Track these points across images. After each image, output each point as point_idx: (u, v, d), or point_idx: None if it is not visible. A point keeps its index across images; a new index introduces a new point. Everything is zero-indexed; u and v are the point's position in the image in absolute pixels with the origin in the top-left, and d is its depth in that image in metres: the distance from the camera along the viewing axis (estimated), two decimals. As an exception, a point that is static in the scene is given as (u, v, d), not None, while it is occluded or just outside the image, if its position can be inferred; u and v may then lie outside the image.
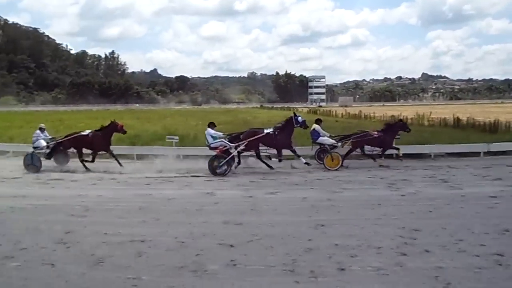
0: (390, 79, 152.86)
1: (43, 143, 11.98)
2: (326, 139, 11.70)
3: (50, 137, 12.47)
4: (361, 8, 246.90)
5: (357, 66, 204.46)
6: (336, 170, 11.09)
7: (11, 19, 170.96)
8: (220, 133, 11.48)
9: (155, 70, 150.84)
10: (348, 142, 11.95)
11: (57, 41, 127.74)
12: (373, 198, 7.77)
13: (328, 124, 17.35)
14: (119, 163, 11.54)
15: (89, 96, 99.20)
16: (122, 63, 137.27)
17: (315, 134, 11.67)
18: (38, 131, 12.26)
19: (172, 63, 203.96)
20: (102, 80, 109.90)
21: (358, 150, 12.03)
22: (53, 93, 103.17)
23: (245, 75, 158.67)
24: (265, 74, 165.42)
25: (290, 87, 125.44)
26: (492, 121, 17.72)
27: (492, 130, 16.82)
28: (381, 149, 11.98)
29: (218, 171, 10.64)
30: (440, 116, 21.82)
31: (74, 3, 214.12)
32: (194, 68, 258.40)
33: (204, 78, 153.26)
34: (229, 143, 11.14)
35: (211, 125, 11.35)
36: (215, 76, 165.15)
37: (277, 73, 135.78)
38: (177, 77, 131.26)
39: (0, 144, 15.41)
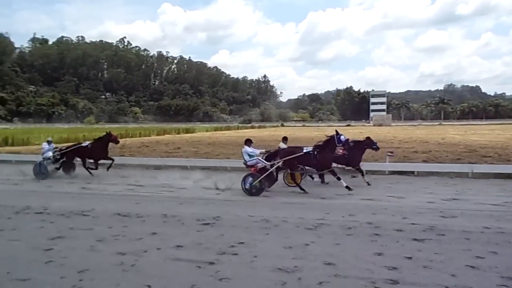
0: None
1: (50, 153, 13.57)
2: None
3: (54, 147, 13.94)
4: None
5: None
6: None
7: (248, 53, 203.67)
8: (257, 151, 10.93)
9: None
10: None
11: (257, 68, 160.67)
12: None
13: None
14: (107, 168, 13.15)
15: (167, 116, 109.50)
16: (272, 85, 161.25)
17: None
18: (45, 143, 13.87)
19: (385, 78, 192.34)
20: (178, 102, 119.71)
21: None
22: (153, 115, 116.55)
23: (441, 87, 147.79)
24: (467, 86, 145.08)
25: (349, 103, 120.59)
26: None
27: None
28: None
29: (251, 190, 10.14)
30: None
31: (296, 32, 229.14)
32: (409, 82, 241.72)
33: (394, 93, 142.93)
34: (265, 161, 10.64)
35: (248, 142, 10.86)
36: (407, 91, 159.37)
37: (337, 89, 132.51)
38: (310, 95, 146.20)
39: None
